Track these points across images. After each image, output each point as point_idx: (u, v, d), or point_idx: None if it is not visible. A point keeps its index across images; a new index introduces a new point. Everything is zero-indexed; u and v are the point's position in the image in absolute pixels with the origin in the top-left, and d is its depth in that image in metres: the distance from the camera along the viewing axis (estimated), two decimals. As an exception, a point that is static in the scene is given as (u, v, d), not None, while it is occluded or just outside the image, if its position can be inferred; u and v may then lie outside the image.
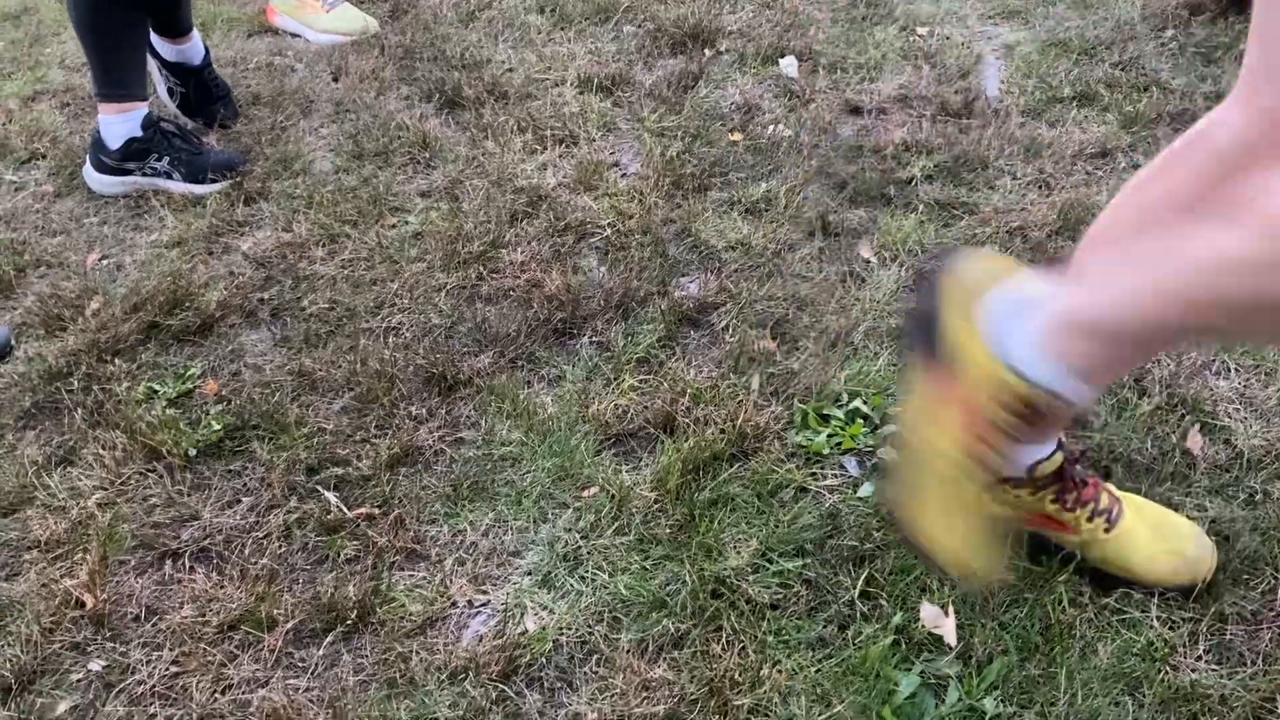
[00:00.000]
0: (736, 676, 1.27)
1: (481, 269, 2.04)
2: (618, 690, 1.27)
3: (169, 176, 2.36)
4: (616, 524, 1.49)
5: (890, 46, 2.76)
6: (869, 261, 2.01)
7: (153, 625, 1.41)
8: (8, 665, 1.35)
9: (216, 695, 1.31)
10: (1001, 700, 1.23)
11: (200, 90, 2.58)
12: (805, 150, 2.35)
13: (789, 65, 2.71)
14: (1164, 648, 1.28)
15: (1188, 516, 1.42)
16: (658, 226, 2.12)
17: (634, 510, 1.50)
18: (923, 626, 1.32)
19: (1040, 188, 2.17)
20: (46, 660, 1.37)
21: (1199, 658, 1.28)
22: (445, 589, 1.43)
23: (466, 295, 1.98)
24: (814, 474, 1.55)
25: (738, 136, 2.43)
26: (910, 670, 1.27)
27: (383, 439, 1.67)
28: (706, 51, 2.81)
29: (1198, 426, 1.58)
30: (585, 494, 1.54)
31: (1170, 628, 1.31)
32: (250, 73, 2.84)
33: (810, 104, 2.55)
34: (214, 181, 2.36)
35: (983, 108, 2.45)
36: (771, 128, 2.46)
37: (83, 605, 1.42)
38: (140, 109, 2.36)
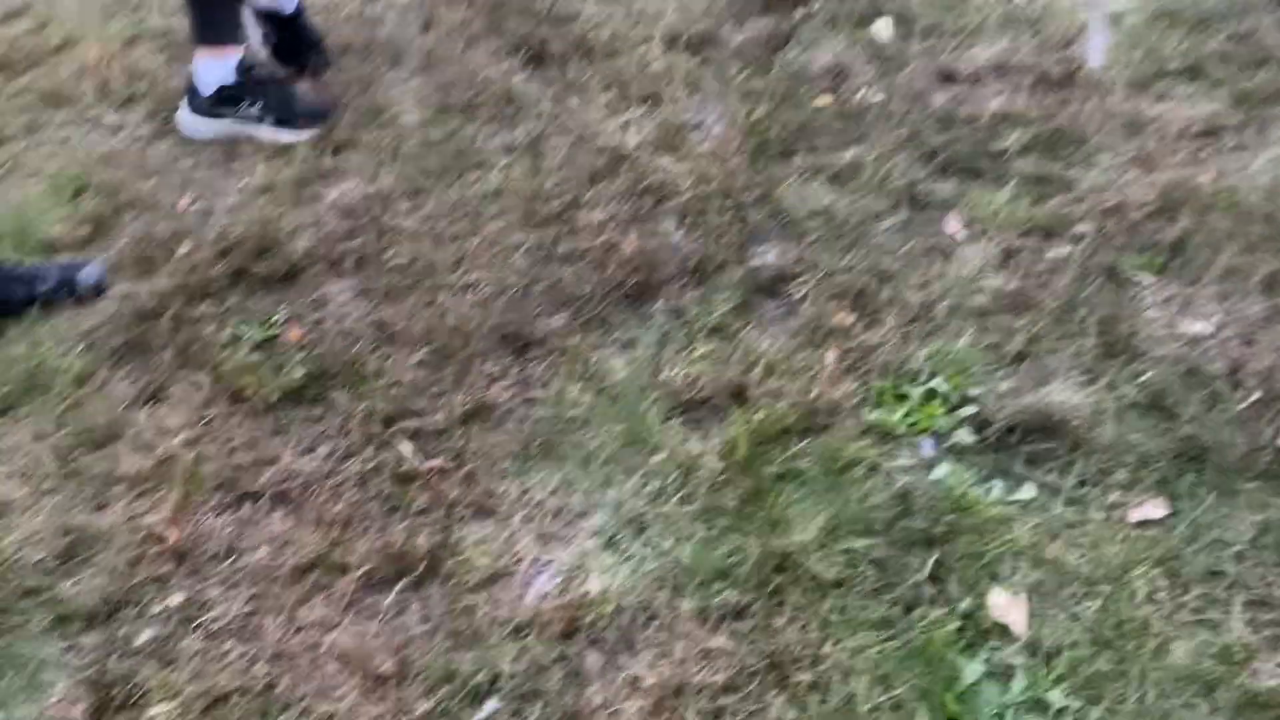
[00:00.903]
0: (797, 651, 1.27)
1: (559, 229, 2.04)
2: (677, 657, 1.28)
3: (260, 122, 2.40)
4: (682, 492, 1.49)
5: (991, 11, 2.66)
6: (956, 235, 1.96)
7: (230, 564, 1.45)
8: (95, 594, 1.41)
9: (289, 635, 1.35)
10: (1069, 694, 1.21)
11: (293, 38, 2.61)
12: (895, 117, 2.29)
13: (883, 27, 2.64)
14: (1243, 651, 1.24)
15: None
16: (738, 191, 2.09)
17: (701, 479, 1.50)
18: (990, 614, 1.30)
19: (1140, 166, 2.08)
20: (130, 591, 1.42)
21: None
22: (512, 545, 1.45)
23: (543, 255, 1.98)
24: (887, 453, 1.53)
25: (826, 100, 2.38)
26: (975, 657, 1.25)
27: (457, 394, 1.69)
28: (799, 10, 2.74)
29: (1294, 424, 1.52)
30: (653, 460, 1.54)
31: (1253, 630, 1.27)
32: (341, 22, 2.86)
33: (903, 69, 2.49)
34: (303, 129, 2.39)
35: (1084, 79, 2.36)
36: (861, 92, 2.40)
37: (165, 541, 1.47)
38: (235, 54, 2.39)
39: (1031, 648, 1.27)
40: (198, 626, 1.37)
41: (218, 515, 1.52)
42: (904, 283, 1.84)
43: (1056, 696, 1.20)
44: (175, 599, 1.41)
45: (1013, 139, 2.18)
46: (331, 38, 2.77)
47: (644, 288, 1.88)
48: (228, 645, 1.34)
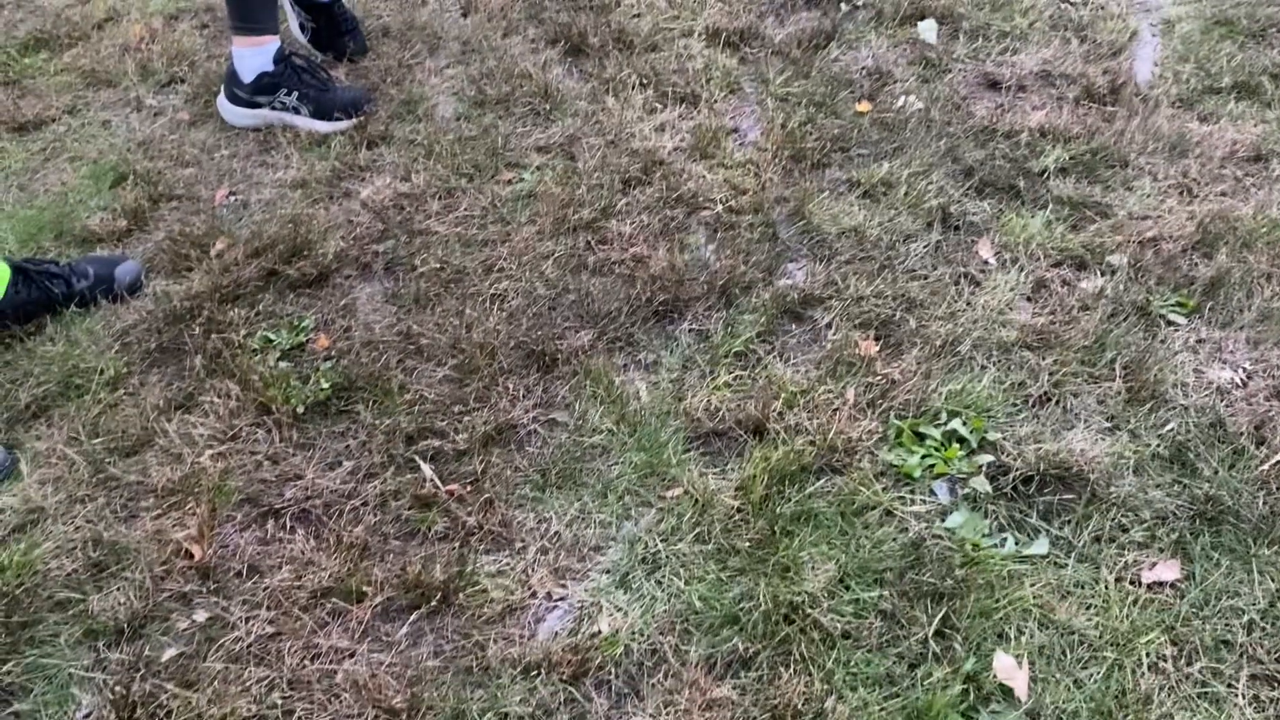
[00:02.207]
0: (800, 706, 1.29)
1: (590, 238, 2.04)
2: (682, 706, 1.30)
3: (297, 112, 2.41)
4: (697, 530, 1.50)
5: (1039, 15, 2.60)
6: (987, 262, 1.94)
7: (253, 583, 1.49)
8: (122, 610, 1.45)
9: (306, 661, 1.39)
10: (1065, 765, 1.23)
11: (330, 25, 2.61)
12: (935, 128, 2.26)
13: (928, 29, 2.59)
14: (1244, 731, 1.25)
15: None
16: (770, 206, 2.08)
17: (715, 517, 1.51)
18: (994, 677, 1.31)
19: (1181, 194, 2.04)
20: (156, 607, 1.47)
21: (1281, 744, 1.24)
22: (526, 578, 1.47)
23: (573, 265, 1.98)
24: (902, 498, 1.54)
25: (865, 107, 2.35)
26: (975, 721, 1.27)
27: (480, 412, 1.71)
28: (843, 6, 2.70)
29: (1317, 487, 1.50)
30: (670, 494, 1.56)
31: (1257, 708, 1.27)
32: (380, 5, 2.85)
33: (945, 74, 2.44)
34: (339, 120, 2.40)
35: (1130, 94, 2.31)
36: (902, 99, 2.36)
37: (191, 556, 1.52)
38: (272, 42, 2.40)
39: (1032, 715, 1.28)
40: (220, 647, 1.41)
41: (242, 532, 1.56)
42: (930, 313, 1.82)
43: (1054, 768, 1.22)
44: (200, 616, 1.46)
45: (1052, 158, 2.15)
46: (370, 20, 2.77)
47: (671, 306, 1.89)
48: (248, 669, 1.38)
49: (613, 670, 1.35)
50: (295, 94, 2.40)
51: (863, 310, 1.84)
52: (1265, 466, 1.52)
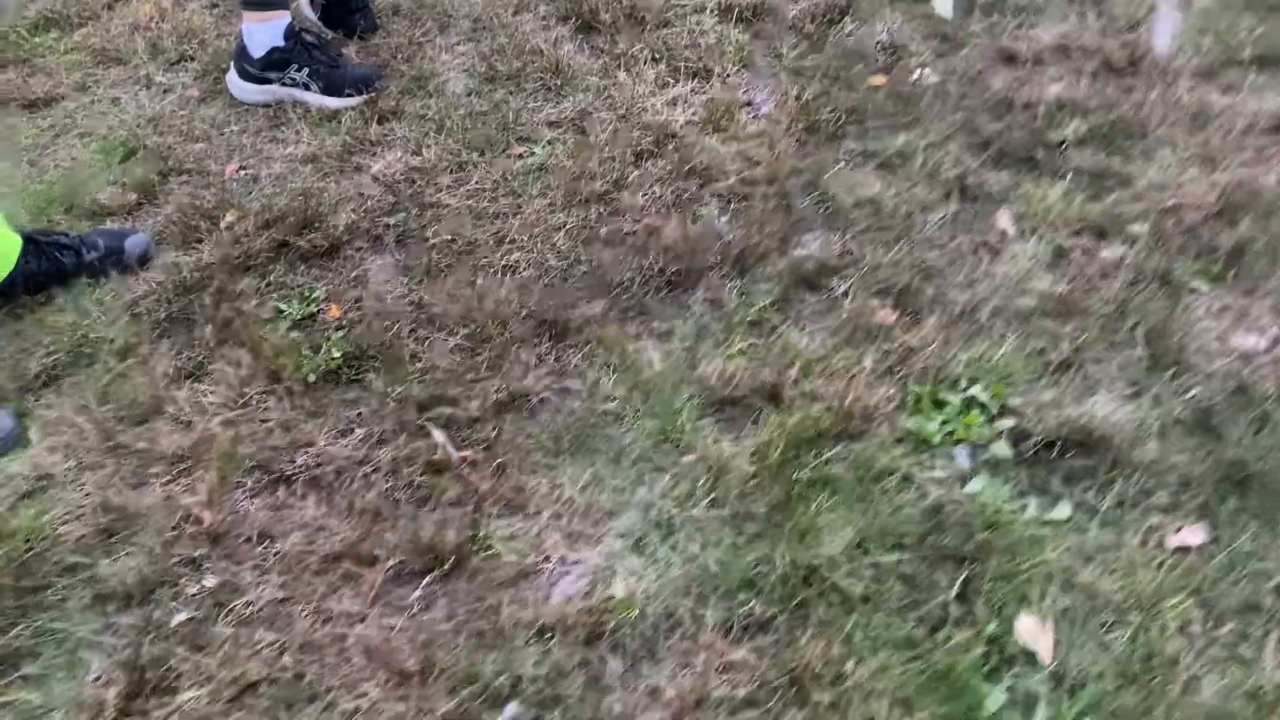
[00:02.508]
0: (819, 669, 1.26)
1: (601, 209, 2.02)
2: (698, 669, 1.28)
3: (307, 89, 2.39)
4: (712, 495, 1.48)
5: (1056, -11, 2.57)
6: (1006, 232, 1.91)
7: (263, 548, 1.48)
8: (132, 574, 1.44)
9: (317, 626, 1.37)
10: (1091, 727, 1.20)
11: (340, 2, 2.59)
12: (951, 101, 2.23)
13: (944, 3, 2.56)
14: (1274, 693, 1.22)
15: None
16: (785, 177, 2.05)
17: (731, 482, 1.49)
18: (1017, 639, 1.28)
19: (1203, 164, 2.01)
20: (166, 572, 1.45)
21: (1311, 706, 1.21)
22: (540, 542, 1.45)
23: (585, 237, 1.96)
24: (921, 463, 1.51)
25: (880, 80, 2.32)
26: (998, 684, 1.24)
27: (492, 381, 1.69)
28: (857, -18, 2.67)
29: (1345, 451, 1.47)
30: (684, 460, 1.53)
31: (1284, 670, 1.25)
32: (391, -17, 2.83)
33: (962, 48, 2.41)
34: (350, 96, 2.38)
35: (1149, 66, 2.28)
36: (918, 72, 2.34)
37: (201, 522, 1.50)
38: (282, 18, 2.38)
39: (1056, 677, 1.25)
40: (230, 612, 1.40)
41: (252, 498, 1.55)
42: (949, 281, 1.80)
43: (1079, 730, 1.19)
44: (210, 582, 1.44)
45: (1070, 129, 2.12)
46: (380, 1, 2.75)
47: (684, 276, 1.86)
48: (258, 634, 1.36)
49: (628, 633, 1.33)
50: (306, 70, 2.39)
51: (880, 279, 1.81)
52: (1292, 430, 1.49)
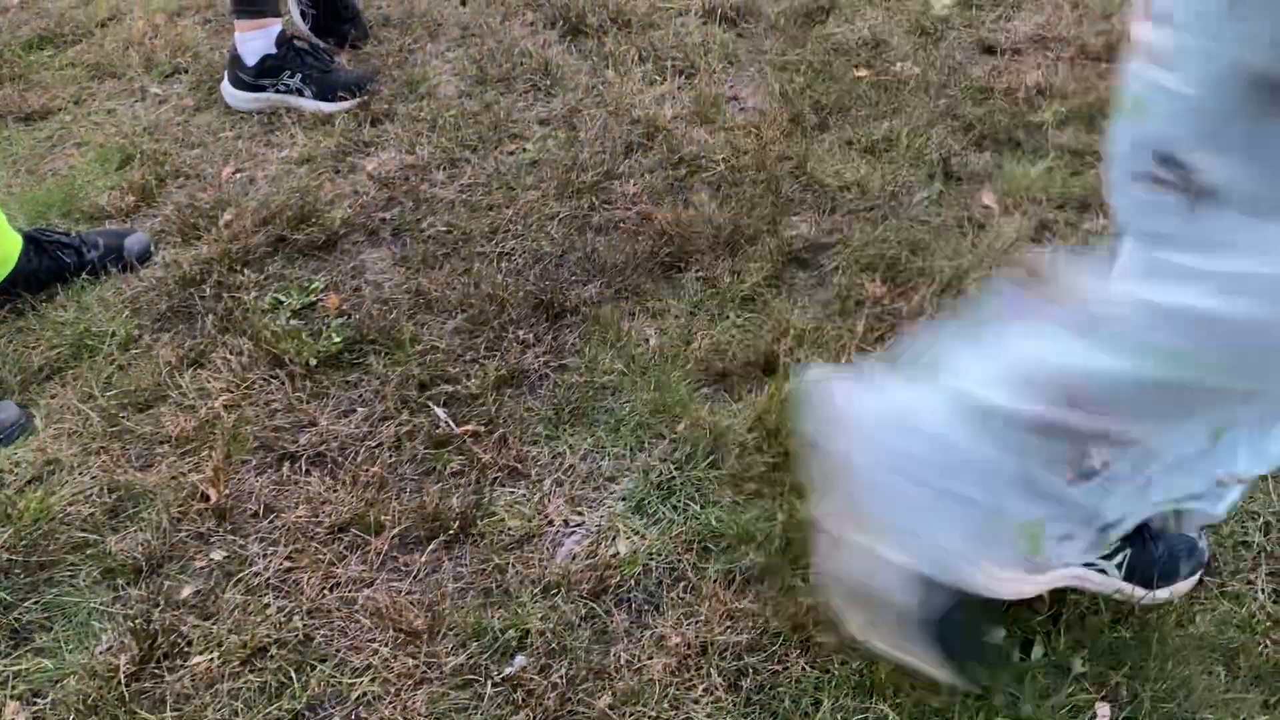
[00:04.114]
0: (820, 615, 1.28)
1: (594, 199, 2.06)
2: (702, 617, 1.30)
3: (301, 94, 2.44)
4: (711, 458, 1.51)
5: (1031, -17, 2.64)
6: (990, 208, 1.95)
7: (269, 522, 1.49)
8: (140, 549, 1.45)
9: (325, 591, 1.39)
10: (1088, 660, 1.22)
11: (331, 11, 2.64)
12: (933, 89, 2.28)
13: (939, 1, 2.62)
14: (1266, 620, 1.25)
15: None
16: (772, 163, 2.10)
17: (730, 446, 1.52)
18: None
19: (1179, 139, 2.06)
20: (174, 547, 1.47)
21: (1303, 634, 1.24)
22: (543, 507, 1.48)
23: (578, 225, 2.00)
24: (914, 421, 1.54)
25: (863, 72, 2.38)
26: (998, 625, 1.26)
27: (491, 360, 1.72)
28: (837, -17, 2.73)
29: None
30: (682, 427, 1.56)
31: (1275, 600, 1.28)
32: (381, -6, 2.89)
33: (942, 41, 2.47)
34: (343, 100, 2.42)
35: (1126, 52, 2.33)
36: (899, 65, 2.39)
37: (207, 499, 1.52)
38: (274, 25, 2.43)
39: (1053, 615, 1.28)
40: (238, 581, 1.41)
41: (258, 475, 1.57)
42: (936, 254, 1.84)
43: (1077, 663, 1.22)
44: (217, 555, 1.46)
45: (1050, 111, 2.17)
46: (371, 10, 2.80)
47: (677, 258, 1.90)
48: (267, 599, 1.38)
49: (632, 587, 1.35)
50: (299, 75, 2.43)
51: (869, 255, 1.85)
52: None
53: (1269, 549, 1.33)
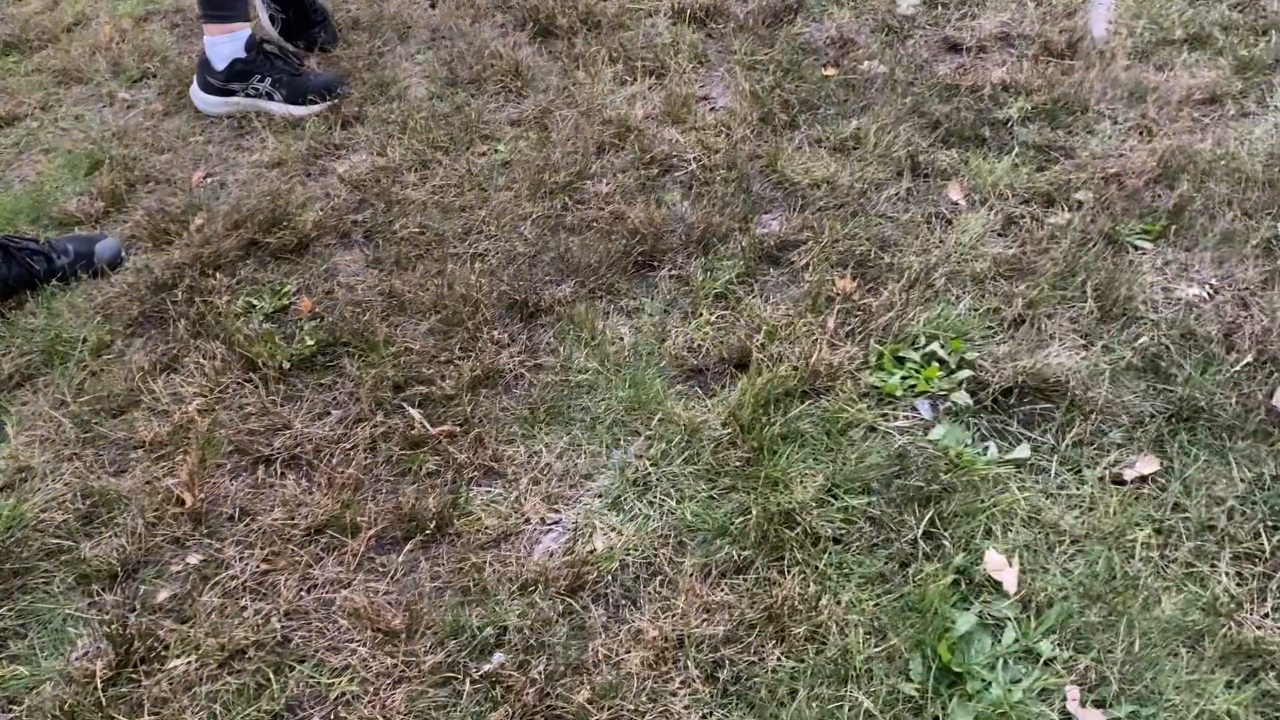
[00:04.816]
0: (795, 605, 1.30)
1: (567, 199, 2.07)
2: (679, 610, 1.31)
3: (271, 98, 2.43)
4: (686, 453, 1.52)
5: (995, -18, 2.67)
6: (957, 203, 1.98)
7: (245, 525, 1.49)
8: (115, 554, 1.45)
9: (303, 593, 1.39)
10: (1058, 644, 1.25)
11: (300, 15, 2.64)
12: (900, 87, 2.31)
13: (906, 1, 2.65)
14: (1230, 602, 1.27)
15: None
16: (743, 162, 2.11)
17: (704, 441, 1.53)
18: (985, 570, 1.33)
19: (1142, 134, 2.10)
20: (149, 552, 1.46)
21: (1266, 614, 1.27)
22: (519, 506, 1.49)
23: (551, 225, 2.01)
24: (885, 415, 1.56)
25: (831, 71, 2.40)
26: (968, 609, 1.28)
27: (466, 361, 1.72)
28: (804, -17, 2.75)
29: (1287, 385, 1.54)
30: (657, 424, 1.57)
31: (1239, 583, 1.30)
32: (350, -3, 2.88)
33: (908, 40, 2.50)
34: (313, 103, 2.42)
35: (1087, 48, 2.37)
36: (867, 64, 2.41)
37: (182, 503, 1.52)
38: (243, 30, 2.42)
39: (1023, 602, 1.30)
40: (215, 585, 1.41)
41: (233, 479, 1.56)
42: (905, 250, 1.86)
43: (1046, 647, 1.24)
44: (193, 559, 1.46)
45: (1015, 108, 2.20)
46: (340, 13, 2.80)
47: (650, 256, 1.91)
48: (244, 602, 1.38)
49: (609, 582, 1.37)
50: (269, 80, 2.42)
51: (839, 251, 1.87)
52: (1236, 367, 1.56)
53: (1232, 533, 1.36)
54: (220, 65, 2.42)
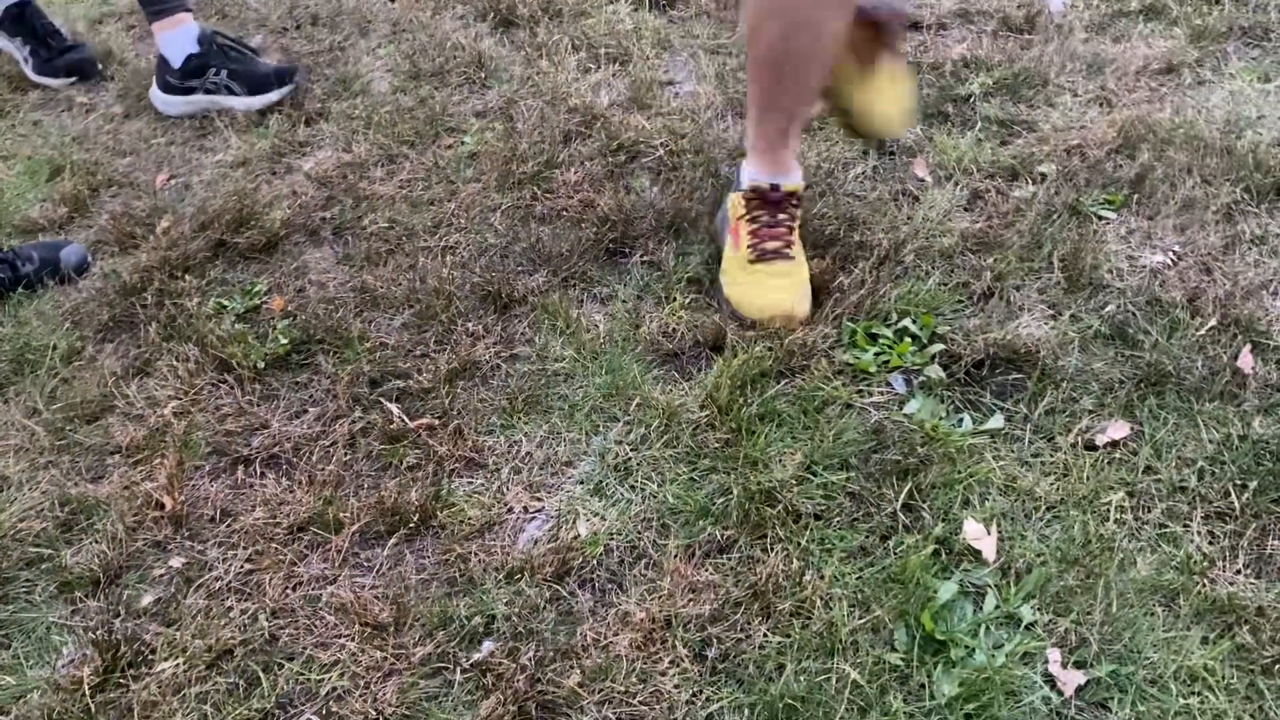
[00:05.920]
0: (780, 581, 1.32)
1: (536, 189, 2.07)
2: (665, 591, 1.33)
3: (230, 91, 2.41)
4: (666, 437, 1.53)
5: (952, -41, 2.69)
6: (923, 180, 2.00)
7: (227, 526, 1.49)
8: (96, 560, 1.44)
9: (288, 591, 1.39)
10: (1038, 609, 1.27)
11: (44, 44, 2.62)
12: (861, 67, 2.32)
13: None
14: (1203, 560, 1.30)
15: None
16: (710, 146, 2.12)
17: (683, 425, 1.54)
18: (964, 539, 1.35)
19: (1101, 105, 2.13)
20: (131, 557, 1.46)
21: (1238, 571, 1.30)
22: (502, 496, 1.49)
23: (521, 215, 2.01)
24: (860, 391, 1.58)
25: (793, 54, 2.40)
26: (949, 579, 1.30)
27: (442, 354, 1.72)
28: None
29: (1249, 346, 1.57)
30: (636, 409, 1.58)
31: (1211, 541, 1.33)
32: (308, -7, 2.86)
33: (868, 20, 2.51)
34: (272, 91, 2.40)
35: (1045, 23, 2.40)
36: (828, 45, 2.42)
37: (162, 507, 1.51)
38: (188, 20, 2.41)
39: (1003, 569, 1.32)
40: (199, 587, 1.41)
41: (212, 480, 1.56)
42: (874, 227, 1.88)
43: (1026, 612, 1.26)
44: (176, 562, 1.45)
45: (977, 84, 2.22)
46: (299, 9, 2.78)
47: (621, 243, 1.92)
48: (230, 603, 1.38)
49: (594, 567, 1.38)
50: (225, 71, 2.41)
51: (808, 231, 1.88)
52: (1201, 331, 1.59)
53: (1202, 493, 1.39)
54: (176, 62, 2.40)
